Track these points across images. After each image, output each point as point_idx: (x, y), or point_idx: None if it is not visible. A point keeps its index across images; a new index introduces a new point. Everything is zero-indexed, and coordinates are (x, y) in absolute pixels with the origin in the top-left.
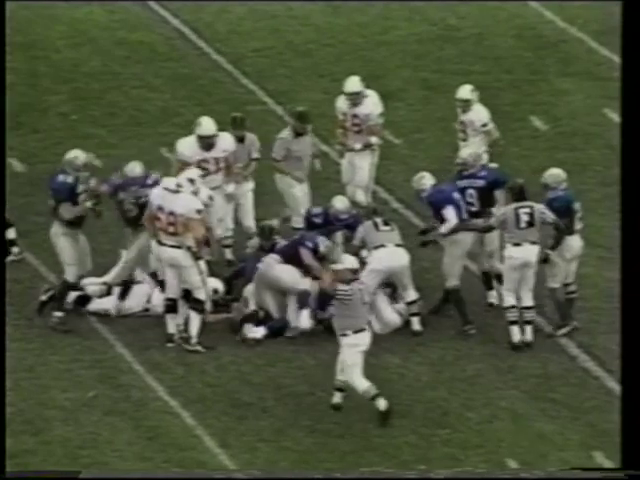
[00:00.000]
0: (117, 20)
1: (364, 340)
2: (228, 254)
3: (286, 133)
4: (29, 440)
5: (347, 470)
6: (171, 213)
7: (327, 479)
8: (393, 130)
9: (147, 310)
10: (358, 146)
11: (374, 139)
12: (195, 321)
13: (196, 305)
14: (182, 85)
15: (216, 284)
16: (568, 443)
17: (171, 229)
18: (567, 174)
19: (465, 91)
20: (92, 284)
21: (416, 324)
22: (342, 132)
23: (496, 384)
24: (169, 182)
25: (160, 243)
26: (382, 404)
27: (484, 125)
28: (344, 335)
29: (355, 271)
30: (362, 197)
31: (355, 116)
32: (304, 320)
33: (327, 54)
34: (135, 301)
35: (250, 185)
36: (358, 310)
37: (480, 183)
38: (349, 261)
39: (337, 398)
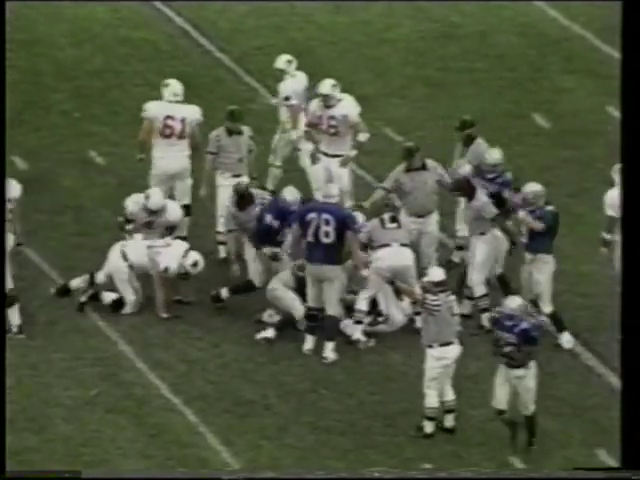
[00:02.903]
0: (120, 18)
1: (450, 353)
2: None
3: (220, 130)
4: (31, 438)
5: (351, 469)
6: None
7: (336, 479)
8: (396, 127)
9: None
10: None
11: (362, 136)
12: None
13: None
14: (185, 83)
15: (196, 256)
16: (571, 440)
17: None
18: (570, 172)
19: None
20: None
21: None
22: (309, 134)
23: None
24: None
25: None
26: (429, 428)
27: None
28: (430, 347)
29: (443, 282)
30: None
31: (332, 117)
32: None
33: (330, 52)
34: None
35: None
36: (446, 322)
37: (493, 188)
38: (436, 273)
39: (429, 427)
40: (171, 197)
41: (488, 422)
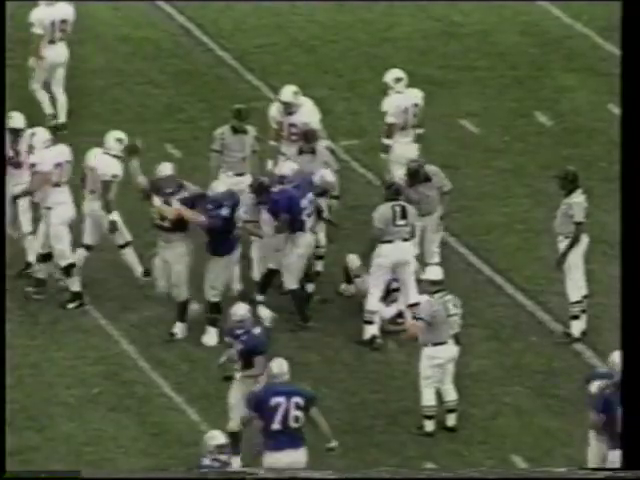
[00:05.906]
0: (121, 17)
1: (443, 354)
2: None
3: (225, 128)
4: (33, 437)
5: (353, 468)
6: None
7: (337, 479)
8: None
9: None
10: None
11: (324, 142)
12: None
13: None
14: (186, 81)
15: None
16: (572, 439)
17: None
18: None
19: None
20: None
21: None
22: (276, 139)
23: (500, 380)
24: None
25: None
26: (429, 427)
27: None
28: (424, 346)
29: (440, 282)
30: None
31: (293, 125)
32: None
33: (331, 50)
34: None
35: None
36: (441, 323)
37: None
38: (434, 271)
39: (429, 426)
40: None
41: (489, 420)
